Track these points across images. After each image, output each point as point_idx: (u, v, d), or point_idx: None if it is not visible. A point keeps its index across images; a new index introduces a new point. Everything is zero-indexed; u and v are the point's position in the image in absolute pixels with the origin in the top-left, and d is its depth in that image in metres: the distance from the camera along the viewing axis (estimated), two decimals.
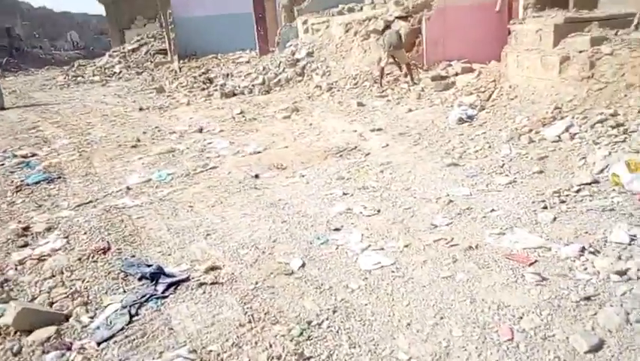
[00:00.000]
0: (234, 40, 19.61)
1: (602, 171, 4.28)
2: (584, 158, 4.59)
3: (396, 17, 11.18)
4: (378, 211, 4.38)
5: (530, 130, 5.65)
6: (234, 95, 12.43)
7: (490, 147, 5.60)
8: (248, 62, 17.28)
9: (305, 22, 14.07)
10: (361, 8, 13.96)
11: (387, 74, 10.29)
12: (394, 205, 4.48)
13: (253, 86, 12.57)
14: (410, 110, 7.73)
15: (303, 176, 5.79)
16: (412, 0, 10.76)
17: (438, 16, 10.50)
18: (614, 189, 4.00)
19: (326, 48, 12.73)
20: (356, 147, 6.51)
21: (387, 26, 11.19)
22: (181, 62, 18.90)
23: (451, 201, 4.35)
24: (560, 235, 3.52)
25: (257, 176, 5.96)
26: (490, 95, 7.05)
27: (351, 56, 11.86)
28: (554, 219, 3.74)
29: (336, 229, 4.09)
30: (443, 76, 9.80)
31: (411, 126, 7.00)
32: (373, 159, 6.02)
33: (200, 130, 8.71)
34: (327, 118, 8.23)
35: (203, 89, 13.96)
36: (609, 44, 5.80)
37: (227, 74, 15.10)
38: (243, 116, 9.48)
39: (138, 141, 8.35)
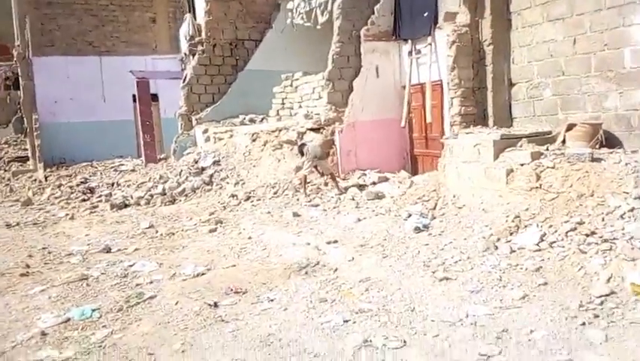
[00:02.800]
0: (110, 148, 18.29)
1: (608, 280, 4.28)
2: (582, 268, 4.61)
3: (308, 129, 11.32)
4: (405, 342, 3.78)
5: (498, 239, 5.67)
6: (126, 206, 11.13)
7: (468, 257, 5.44)
8: (133, 170, 16.01)
9: (206, 131, 13.60)
10: (262, 120, 14.01)
11: (308, 182, 10.11)
12: (417, 333, 3.92)
13: (151, 195, 11.41)
14: (359, 220, 7.45)
15: (271, 300, 4.97)
16: (323, 114, 11.02)
17: (349, 130, 10.88)
18: (637, 299, 3.98)
19: (232, 157, 12.28)
20: (318, 263, 5.90)
21: (301, 138, 11.26)
22: (47, 170, 16.82)
23: (476, 322, 3.95)
24: (626, 355, 3.28)
25: (216, 305, 4.97)
26: (436, 205, 7.13)
27: (261, 165, 11.54)
28: (606, 337, 3.52)
29: None
30: (362, 184, 9.92)
31: (367, 237, 6.66)
32: (345, 275, 5.46)
33: (108, 250, 7.36)
34: (266, 230, 7.55)
35: (84, 200, 12.39)
36: (548, 158, 6.29)
37: (112, 184, 13.68)
38: (157, 231, 8.33)
39: (28, 266, 6.71)
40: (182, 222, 8.97)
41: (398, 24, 11.35)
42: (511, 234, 5.71)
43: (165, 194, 11.39)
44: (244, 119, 13.98)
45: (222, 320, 4.58)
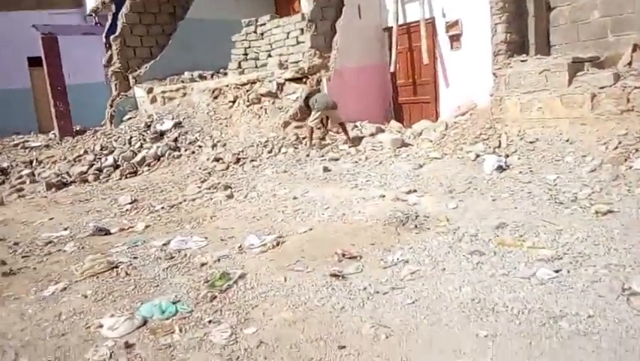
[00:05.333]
0: (3, 123, 15.09)
1: None
2: None
3: (287, 79, 9.91)
4: None
5: (613, 166, 5.06)
6: (65, 185, 8.97)
7: (600, 189, 4.74)
8: (47, 146, 13.25)
9: (150, 91, 11.46)
10: (213, 75, 12.17)
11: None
12: None
13: (99, 170, 9.31)
14: (420, 166, 6.40)
15: (405, 261, 3.85)
16: (307, 61, 9.67)
17: (337, 77, 9.70)
18: None
19: (194, 117, 10.46)
20: (418, 214, 4.83)
21: (280, 88, 9.83)
22: None
23: None
24: None
25: (342, 276, 3.72)
26: (499, 142, 6.35)
27: (236, 124, 9.93)
28: None
29: None
30: (360, 136, 8.89)
31: (446, 183, 5.69)
32: (466, 224, 4.46)
33: (107, 232, 5.56)
34: (308, 189, 6.22)
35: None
36: (629, 79, 5.78)
37: (30, 162, 11.10)
38: (151, 205, 6.57)
39: (4, 263, 4.77)
40: (173, 192, 7.26)
41: None
42: (625, 160, 5.11)
43: (119, 166, 9.35)
44: (192, 75, 12.03)
45: (386, 290, 3.38)
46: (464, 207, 4.89)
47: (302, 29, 10.04)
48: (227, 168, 8.34)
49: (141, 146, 9.88)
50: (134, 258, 4.57)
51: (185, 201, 6.61)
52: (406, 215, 4.82)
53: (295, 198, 5.92)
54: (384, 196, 5.48)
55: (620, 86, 5.72)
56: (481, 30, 8.73)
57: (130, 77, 11.81)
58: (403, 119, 10.51)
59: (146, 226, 5.64)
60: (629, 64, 6.24)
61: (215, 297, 3.58)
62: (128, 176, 8.93)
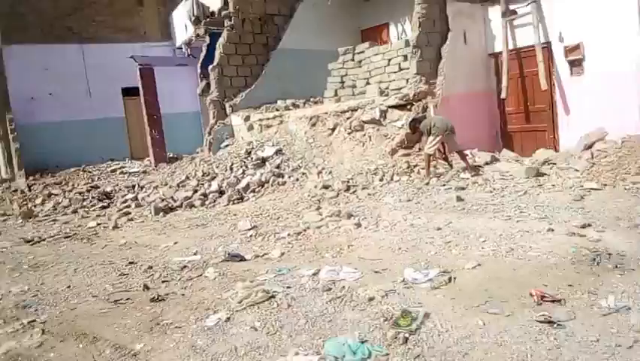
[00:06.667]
0: (99, 150, 15.70)
1: None
2: None
3: (389, 106, 9.57)
4: None
5: None
6: (171, 209, 8.92)
7: None
8: (145, 172, 13.56)
9: (247, 119, 11.47)
10: (305, 104, 12.07)
11: (415, 165, 8.40)
12: None
13: (204, 195, 9.23)
14: (582, 198, 5.77)
15: (628, 309, 3.24)
16: (412, 87, 9.32)
17: (444, 104, 9.25)
18: None
19: (294, 145, 10.30)
20: (609, 252, 4.21)
21: (383, 115, 9.49)
22: (29, 178, 13.92)
23: None
24: None
25: (556, 323, 3.16)
26: None
27: (338, 151, 9.65)
28: None
29: None
30: (476, 165, 8.33)
31: (623, 216, 5.04)
32: None
33: (242, 258, 5.27)
34: (449, 219, 5.72)
35: (104, 207, 10.05)
36: None
37: (133, 186, 11.26)
38: (276, 232, 6.26)
39: (147, 288, 4.55)
40: (290, 219, 6.95)
41: None
42: None
43: (223, 192, 9.23)
44: (286, 103, 11.97)
45: (629, 344, 2.80)
46: None
47: (405, 56, 9.76)
48: (337, 195, 7.98)
49: (243, 172, 9.76)
50: (288, 287, 4.21)
51: (309, 228, 6.26)
52: (595, 252, 4.22)
53: (439, 228, 5.42)
54: (552, 230, 4.88)
55: None
56: (610, 53, 8.14)
57: (227, 105, 11.88)
58: (513, 148, 9.88)
59: (282, 254, 5.31)
60: None
61: (407, 339, 3.12)
62: (235, 202, 8.78)
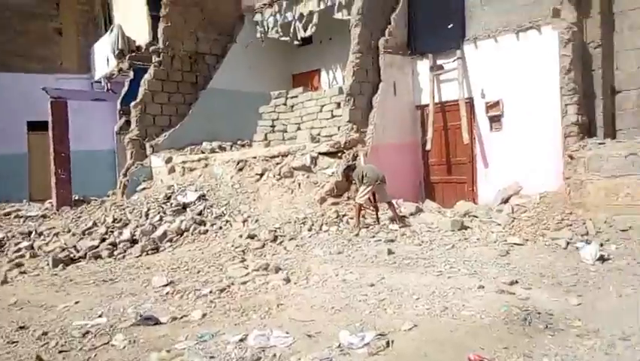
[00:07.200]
0: None
1: None
2: None
3: (320, 153, 9.44)
4: None
5: None
6: (73, 260, 8.03)
7: None
8: (44, 216, 12.23)
9: (169, 160, 10.82)
10: (232, 147, 11.70)
11: (343, 215, 8.22)
12: None
13: (113, 244, 8.40)
14: (507, 253, 5.78)
15: None
16: (343, 135, 9.28)
17: (374, 154, 9.28)
18: None
19: (219, 190, 9.78)
20: (539, 312, 4.15)
21: (314, 161, 9.32)
22: None
23: None
24: None
25: None
26: (587, 230, 5.84)
27: (265, 198, 9.27)
28: None
29: None
30: (402, 215, 8.33)
31: (547, 273, 5.06)
32: (605, 325, 3.80)
33: (156, 321, 4.67)
34: (382, 274, 5.49)
35: None
36: None
37: (29, 233, 10.09)
38: (196, 289, 5.70)
39: (39, 359, 3.85)
40: (212, 273, 6.42)
41: (414, 37, 10.29)
42: None
43: (136, 241, 8.47)
44: (212, 146, 11.51)
45: None
46: (590, 304, 4.24)
47: (338, 103, 9.77)
48: (264, 246, 7.56)
49: (161, 219, 9.05)
50: (212, 358, 3.71)
51: (233, 284, 5.77)
52: (525, 311, 4.15)
53: (372, 285, 5.17)
54: (483, 287, 4.79)
55: None
56: (528, 111, 8.58)
57: (147, 145, 11.19)
58: (435, 199, 10.05)
59: (203, 315, 4.78)
60: None
61: None
62: (149, 253, 8.04)
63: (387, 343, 3.77)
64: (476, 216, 7.50)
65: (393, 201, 8.45)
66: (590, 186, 6.23)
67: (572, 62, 6.95)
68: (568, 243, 5.68)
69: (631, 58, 6.99)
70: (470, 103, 9.58)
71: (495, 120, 9.31)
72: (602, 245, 5.49)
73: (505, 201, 8.28)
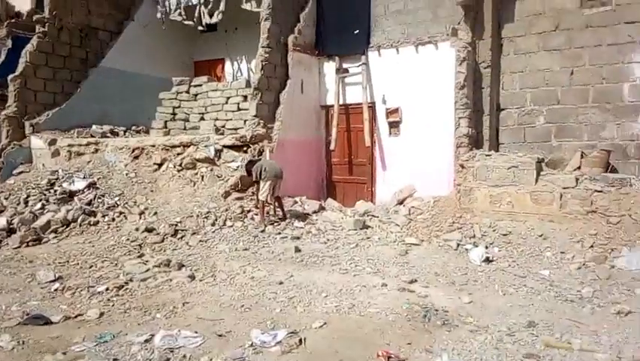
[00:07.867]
0: None
1: None
2: None
3: (225, 146, 9.25)
4: None
5: (600, 263, 5.35)
6: None
7: (600, 287, 4.92)
8: None
9: (52, 143, 9.86)
10: (126, 132, 11.01)
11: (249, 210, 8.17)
12: None
13: None
14: (406, 253, 6.12)
15: None
16: (249, 129, 9.17)
17: (280, 149, 9.33)
18: None
19: (110, 178, 9.13)
20: (437, 309, 4.50)
21: (218, 154, 9.10)
22: None
23: None
24: None
25: None
26: (474, 234, 6.42)
27: (164, 190, 8.87)
28: None
29: None
30: (304, 213, 8.53)
31: (441, 272, 5.48)
32: (491, 321, 4.25)
33: (48, 321, 4.28)
34: (290, 272, 5.54)
35: None
36: (586, 183, 6.31)
37: None
38: (91, 286, 5.31)
39: None
40: (107, 268, 6.01)
41: (322, 38, 10.47)
42: (605, 259, 5.44)
43: (14, 230, 7.66)
44: (103, 129, 10.71)
45: None
46: (480, 302, 4.69)
47: (245, 96, 9.62)
48: (163, 240, 7.25)
49: (43, 207, 8.23)
50: (115, 360, 3.49)
51: (132, 281, 5.46)
52: (425, 309, 4.48)
53: (281, 282, 5.22)
54: (386, 285, 5.08)
55: (582, 188, 6.21)
56: (425, 120, 9.17)
57: (27, 124, 10.08)
58: (336, 197, 10.36)
59: (101, 314, 4.47)
60: (579, 168, 6.87)
61: None
62: (29, 244, 7.30)
63: (300, 341, 3.85)
64: (376, 216, 7.88)
65: (296, 198, 8.57)
66: (477, 193, 6.87)
67: (465, 78, 7.60)
68: (458, 244, 6.22)
69: (515, 79, 7.82)
70: (373, 107, 9.98)
71: (394, 126, 9.81)
72: (487, 248, 6.10)
73: (401, 202, 8.79)
